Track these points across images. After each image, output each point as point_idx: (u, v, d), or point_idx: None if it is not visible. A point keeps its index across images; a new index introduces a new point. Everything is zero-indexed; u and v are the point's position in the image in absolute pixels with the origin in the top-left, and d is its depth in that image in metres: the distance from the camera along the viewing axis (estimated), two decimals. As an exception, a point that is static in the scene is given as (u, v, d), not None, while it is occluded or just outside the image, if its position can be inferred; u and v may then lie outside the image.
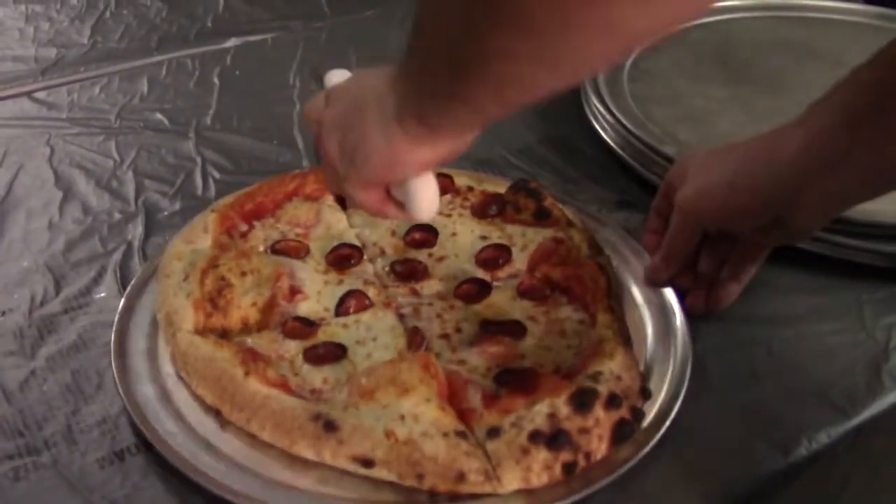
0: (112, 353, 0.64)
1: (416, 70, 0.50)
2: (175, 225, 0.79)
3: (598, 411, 0.57)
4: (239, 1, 1.31)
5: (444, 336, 0.66)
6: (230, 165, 0.91)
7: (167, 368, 0.64)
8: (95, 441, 0.60)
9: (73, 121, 0.99)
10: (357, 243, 0.75)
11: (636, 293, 0.71)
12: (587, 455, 0.55)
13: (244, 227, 0.75)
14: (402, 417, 0.56)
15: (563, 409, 0.56)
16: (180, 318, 0.65)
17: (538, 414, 0.56)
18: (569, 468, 0.55)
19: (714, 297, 0.69)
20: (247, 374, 0.60)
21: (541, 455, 0.55)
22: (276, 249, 0.73)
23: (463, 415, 0.58)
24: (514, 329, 0.66)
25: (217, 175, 0.89)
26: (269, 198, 0.78)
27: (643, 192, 0.83)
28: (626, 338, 0.65)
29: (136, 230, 0.81)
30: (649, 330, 0.67)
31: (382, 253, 0.75)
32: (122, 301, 0.69)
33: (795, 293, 0.72)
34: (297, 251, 0.73)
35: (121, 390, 0.62)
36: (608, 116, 0.92)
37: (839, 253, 0.73)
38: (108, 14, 1.26)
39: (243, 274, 0.69)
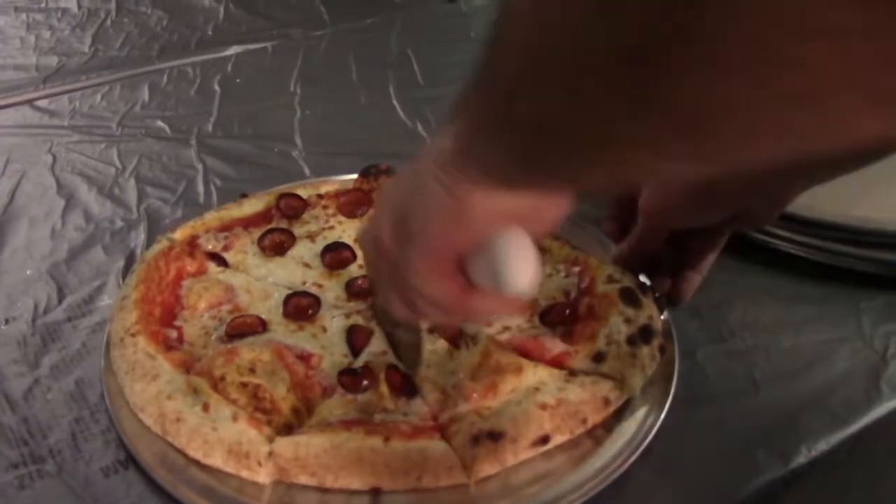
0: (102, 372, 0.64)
1: (492, 127, 0.40)
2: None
3: (643, 298, 0.65)
4: (239, 10, 1.31)
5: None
6: (231, 172, 0.92)
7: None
8: (100, 450, 0.60)
9: (75, 129, 0.99)
10: (301, 289, 0.71)
11: None
12: (661, 331, 0.64)
13: (174, 334, 0.67)
14: (537, 389, 0.60)
15: (628, 310, 0.64)
16: (253, 443, 0.57)
17: (617, 324, 0.63)
18: (661, 350, 0.63)
19: (676, 289, 0.71)
20: (386, 439, 0.56)
21: (644, 351, 0.62)
22: (234, 335, 0.66)
23: (558, 361, 0.63)
24: None
25: (218, 182, 0.90)
26: (164, 295, 0.70)
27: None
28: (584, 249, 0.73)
29: (139, 237, 0.81)
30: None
31: (321, 287, 0.72)
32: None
33: (794, 301, 0.73)
34: (253, 326, 0.67)
35: (108, 404, 0.62)
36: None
37: (838, 261, 0.73)
38: (108, 23, 1.27)
39: (251, 370, 0.61)
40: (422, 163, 0.46)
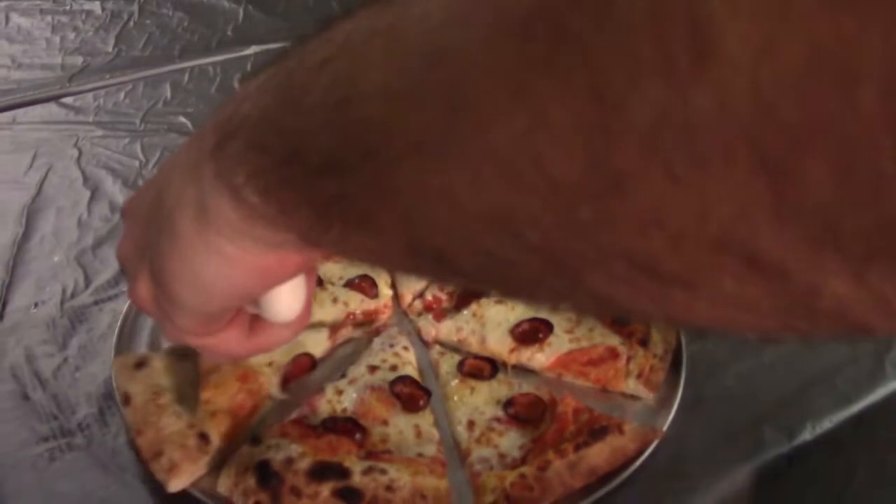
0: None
1: (292, 117, 0.32)
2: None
3: None
4: (258, 11, 1.34)
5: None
6: (251, 167, 0.94)
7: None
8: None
9: (100, 124, 1.02)
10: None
11: None
12: None
13: None
14: None
15: None
16: None
17: None
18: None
19: None
20: None
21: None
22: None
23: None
24: None
25: (239, 176, 0.92)
26: None
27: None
28: None
29: (162, 227, 0.83)
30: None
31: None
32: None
33: (801, 286, 0.74)
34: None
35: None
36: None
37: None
38: (131, 24, 1.30)
39: None
40: (177, 172, 0.38)
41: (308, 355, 0.67)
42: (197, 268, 0.38)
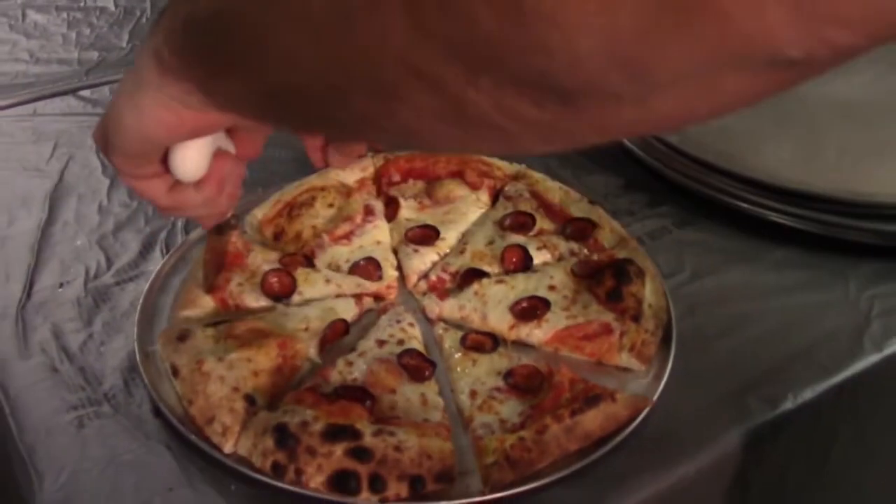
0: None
1: None
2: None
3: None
4: (267, 7, 1.38)
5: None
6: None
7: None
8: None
9: (117, 116, 1.06)
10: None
11: None
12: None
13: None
14: None
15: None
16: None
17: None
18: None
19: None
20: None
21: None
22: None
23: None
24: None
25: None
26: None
27: (648, 177, 0.89)
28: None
29: (179, 212, 0.87)
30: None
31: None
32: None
33: (786, 268, 0.78)
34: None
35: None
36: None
37: (828, 231, 0.79)
38: (144, 20, 1.34)
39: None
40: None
41: (342, 321, 0.72)
42: (122, 119, 0.51)
